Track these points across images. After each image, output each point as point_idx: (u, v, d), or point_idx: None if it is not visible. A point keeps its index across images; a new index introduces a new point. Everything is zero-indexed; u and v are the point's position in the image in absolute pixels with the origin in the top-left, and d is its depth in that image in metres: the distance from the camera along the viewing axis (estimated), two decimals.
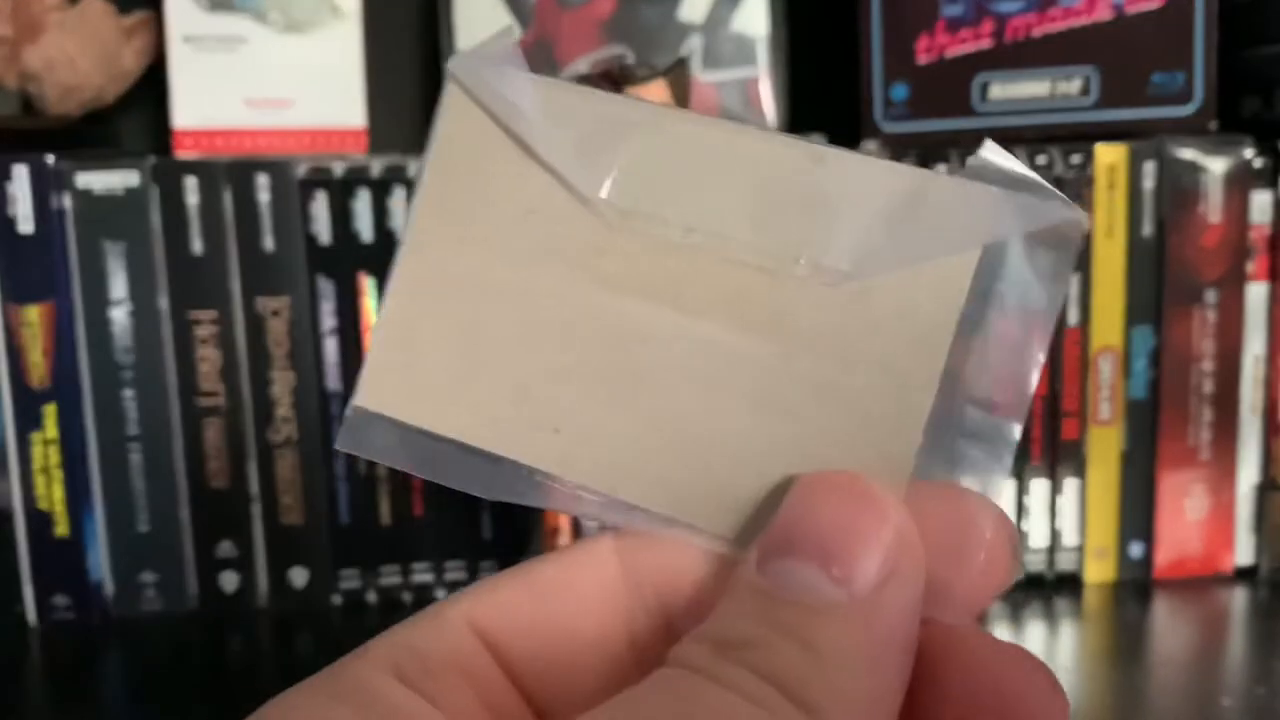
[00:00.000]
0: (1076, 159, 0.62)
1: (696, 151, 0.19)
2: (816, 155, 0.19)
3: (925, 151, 0.64)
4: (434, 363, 0.20)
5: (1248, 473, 0.65)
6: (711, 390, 0.19)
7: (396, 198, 0.62)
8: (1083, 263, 0.63)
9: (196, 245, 0.62)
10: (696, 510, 0.19)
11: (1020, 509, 0.65)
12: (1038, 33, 0.65)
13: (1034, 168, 0.63)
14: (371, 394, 0.20)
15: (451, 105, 0.20)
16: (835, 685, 0.15)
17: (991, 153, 0.18)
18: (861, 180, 0.19)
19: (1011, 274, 0.18)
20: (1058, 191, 0.18)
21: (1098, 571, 0.66)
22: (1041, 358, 0.18)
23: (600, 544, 0.19)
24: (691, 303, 0.19)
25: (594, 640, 0.18)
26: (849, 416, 0.18)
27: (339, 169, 0.62)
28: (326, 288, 0.63)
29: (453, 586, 0.66)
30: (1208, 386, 0.64)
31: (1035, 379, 0.18)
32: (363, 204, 0.62)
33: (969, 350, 0.18)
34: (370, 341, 0.20)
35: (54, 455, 0.62)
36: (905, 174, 0.18)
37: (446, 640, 0.18)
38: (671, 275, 0.19)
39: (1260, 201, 0.63)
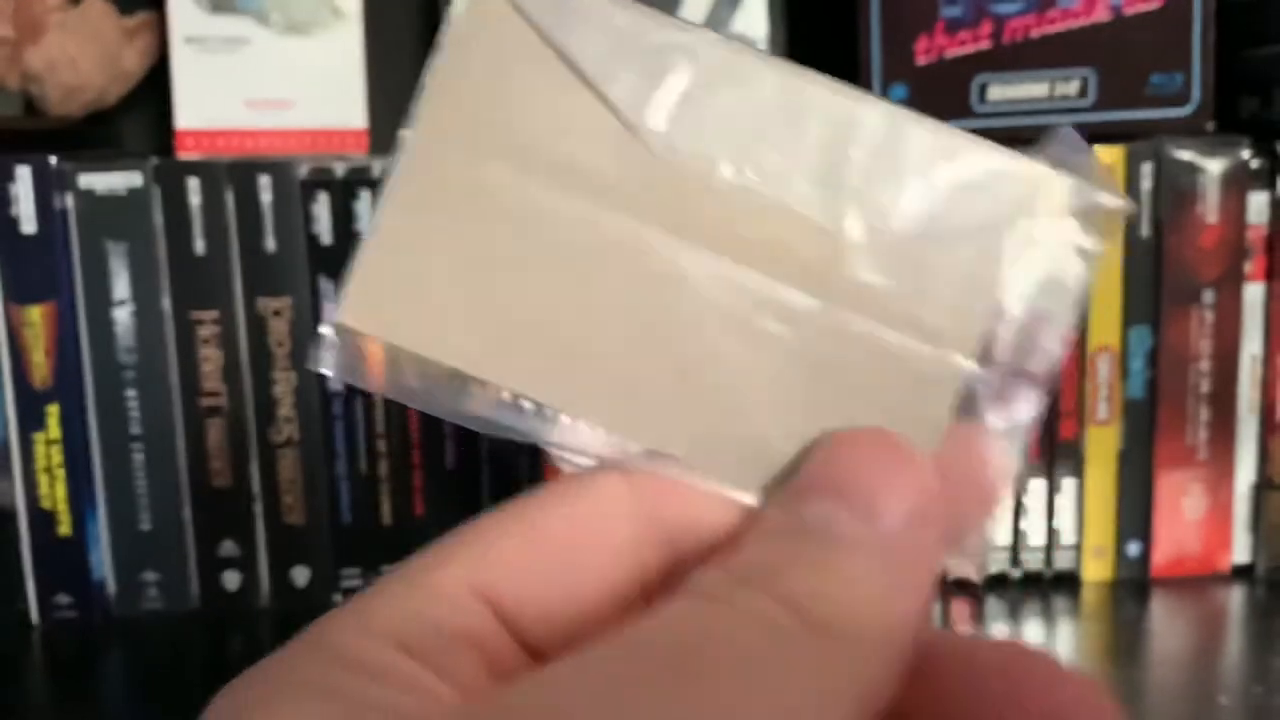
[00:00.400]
0: None
1: (758, 91, 0.18)
2: (885, 114, 0.18)
3: None
4: (434, 281, 0.18)
5: (1245, 472, 0.65)
6: (744, 339, 0.18)
7: None
8: None
9: (199, 245, 0.62)
10: (720, 460, 0.18)
11: (1018, 508, 0.66)
12: (1036, 34, 0.65)
13: None
14: (358, 311, 0.18)
15: None
16: (850, 611, 0.15)
17: (1063, 134, 0.19)
18: (920, 143, 0.18)
19: (1051, 250, 0.18)
20: (1109, 176, 0.18)
21: (1095, 570, 0.66)
22: (1069, 334, 0.18)
23: (608, 486, 0.18)
24: (732, 247, 0.18)
25: (606, 598, 0.17)
26: (886, 376, 0.18)
27: (340, 169, 0.62)
28: (328, 288, 0.63)
29: None
30: (1205, 386, 0.64)
31: (1063, 352, 0.18)
32: (364, 205, 0.62)
33: (1003, 319, 0.18)
34: (358, 251, 0.18)
35: (56, 455, 0.62)
36: (965, 143, 0.18)
37: (450, 608, 0.16)
38: (714, 216, 0.18)
39: (1258, 202, 0.63)
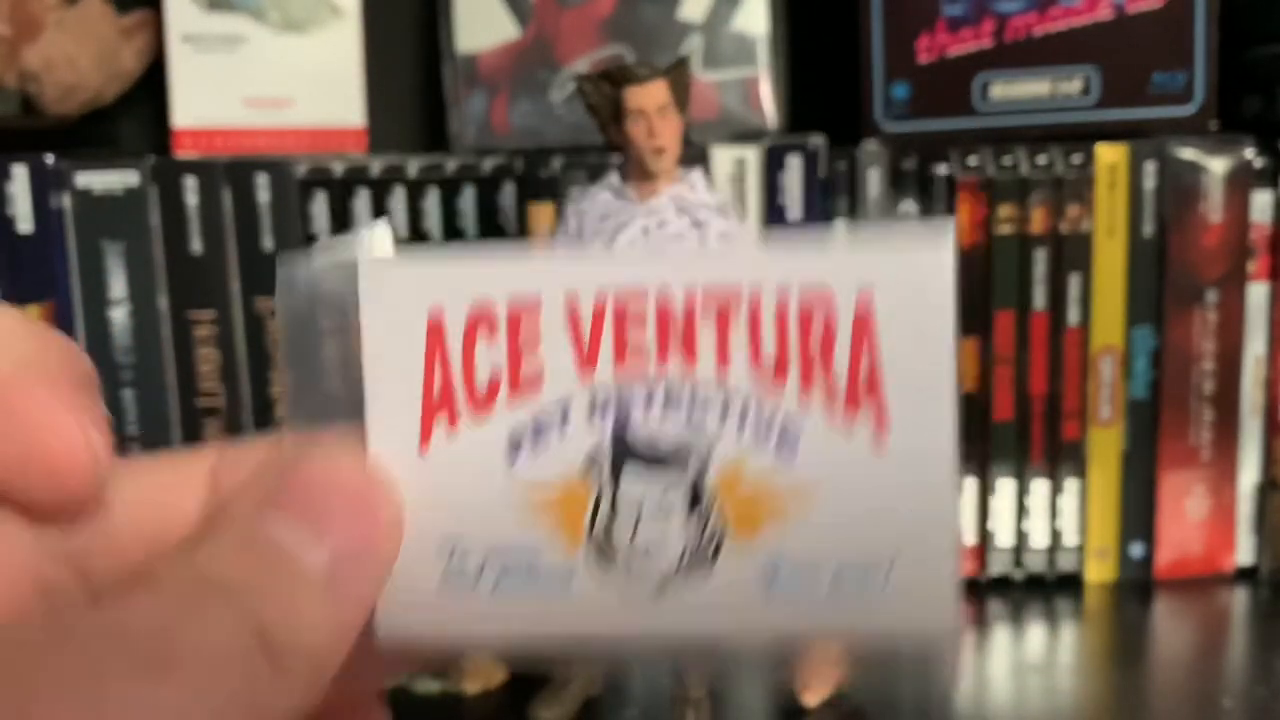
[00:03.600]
0: (1077, 159, 0.62)
1: None
2: None
3: (925, 151, 0.64)
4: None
5: (1248, 473, 0.65)
6: None
7: (396, 197, 0.62)
8: (1084, 263, 0.63)
9: (196, 245, 0.62)
10: None
11: (1021, 509, 0.65)
12: (1038, 32, 0.65)
13: (1035, 167, 0.63)
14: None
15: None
16: (305, 646, 0.16)
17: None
18: None
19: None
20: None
21: (1098, 572, 0.66)
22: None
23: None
24: None
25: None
26: None
27: (338, 168, 0.62)
28: None
29: None
30: (1208, 387, 0.64)
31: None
32: (362, 203, 0.62)
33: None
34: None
35: None
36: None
37: None
38: None
39: (1261, 201, 0.62)
